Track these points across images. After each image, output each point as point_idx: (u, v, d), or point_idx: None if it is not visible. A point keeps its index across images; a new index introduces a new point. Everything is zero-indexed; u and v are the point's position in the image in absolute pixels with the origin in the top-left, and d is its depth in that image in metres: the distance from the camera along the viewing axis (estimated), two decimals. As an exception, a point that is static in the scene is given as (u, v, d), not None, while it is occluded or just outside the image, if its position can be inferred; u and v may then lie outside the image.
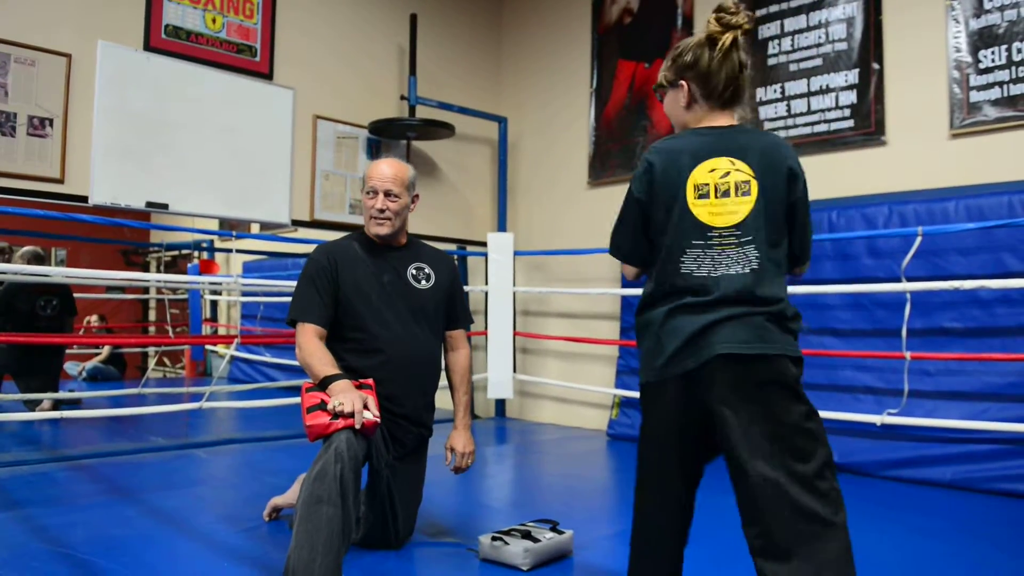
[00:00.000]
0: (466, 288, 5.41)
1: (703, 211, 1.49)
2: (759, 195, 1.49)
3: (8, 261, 5.28)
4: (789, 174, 1.52)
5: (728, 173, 1.50)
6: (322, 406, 1.99)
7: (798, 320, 1.52)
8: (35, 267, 4.94)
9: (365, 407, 1.99)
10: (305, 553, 1.79)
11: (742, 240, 1.48)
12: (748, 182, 1.49)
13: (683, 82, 1.60)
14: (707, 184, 1.50)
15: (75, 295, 5.67)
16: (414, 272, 2.46)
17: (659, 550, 1.62)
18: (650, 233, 1.58)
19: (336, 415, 1.96)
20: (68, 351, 7.01)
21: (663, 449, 1.59)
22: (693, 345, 1.46)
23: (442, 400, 2.52)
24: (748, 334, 1.44)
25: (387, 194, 2.41)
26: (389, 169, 2.42)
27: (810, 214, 1.59)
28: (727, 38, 1.55)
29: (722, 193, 1.49)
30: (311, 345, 2.22)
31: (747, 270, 1.47)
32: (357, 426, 1.95)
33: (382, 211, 2.41)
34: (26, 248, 5.39)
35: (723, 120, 1.59)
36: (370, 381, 2.17)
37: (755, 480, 1.41)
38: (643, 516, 1.65)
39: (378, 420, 2.02)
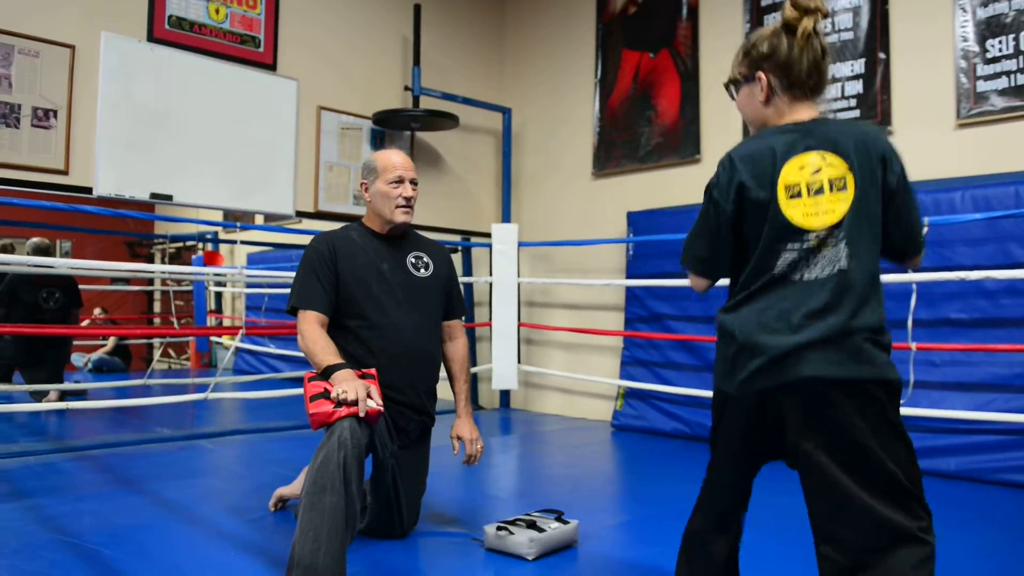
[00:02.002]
0: (471, 279, 5.43)
1: (796, 212, 1.39)
2: (856, 190, 1.39)
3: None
4: (883, 162, 1.41)
5: (820, 169, 1.40)
6: (325, 395, 1.99)
7: (887, 335, 1.46)
8: (39, 258, 4.94)
9: (368, 396, 1.99)
10: (309, 542, 1.79)
11: (840, 240, 1.38)
12: (843, 177, 1.39)
13: (760, 74, 1.49)
14: (798, 183, 1.39)
15: (80, 287, 5.68)
16: (413, 261, 2.48)
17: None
18: (735, 243, 1.48)
19: (339, 403, 1.96)
20: (75, 342, 7.02)
21: (727, 455, 1.56)
22: (779, 363, 1.37)
23: (442, 391, 2.53)
24: (839, 355, 1.35)
25: (412, 182, 2.44)
26: (407, 159, 2.46)
27: (915, 201, 1.47)
28: (808, 22, 1.45)
29: (815, 191, 1.39)
30: (314, 333, 2.22)
31: (845, 271, 1.38)
32: (361, 414, 1.96)
33: (409, 199, 2.43)
34: (32, 240, 5.41)
35: (806, 113, 1.48)
36: (372, 371, 2.17)
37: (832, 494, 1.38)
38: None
39: (381, 408, 2.02)
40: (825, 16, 1.47)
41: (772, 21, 4.31)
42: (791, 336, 1.36)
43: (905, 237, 1.48)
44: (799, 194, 1.39)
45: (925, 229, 3.29)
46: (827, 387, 1.35)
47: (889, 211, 1.43)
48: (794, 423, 1.39)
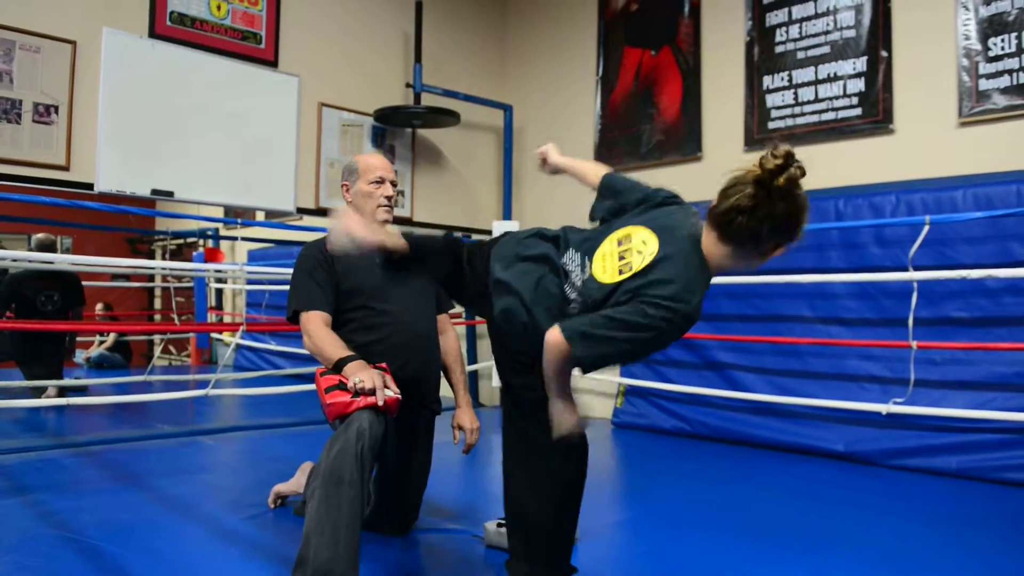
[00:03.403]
0: (471, 276, 5.42)
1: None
2: None
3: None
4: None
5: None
6: (341, 386, 1.97)
7: None
8: (38, 255, 4.94)
9: (385, 385, 1.99)
10: (327, 535, 1.76)
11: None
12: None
13: None
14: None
15: (82, 284, 5.67)
16: None
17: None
18: None
19: (357, 393, 1.94)
20: (78, 339, 7.02)
21: None
22: None
23: (441, 388, 2.54)
24: None
25: (392, 183, 2.46)
26: (386, 161, 2.49)
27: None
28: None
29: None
30: (320, 331, 2.22)
31: None
32: (380, 403, 1.93)
33: (390, 199, 2.44)
34: (38, 235, 5.41)
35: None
36: (384, 365, 2.17)
37: None
38: None
39: (399, 397, 2.01)
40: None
41: (774, 19, 4.32)
42: None
43: None
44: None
45: (927, 228, 3.30)
46: None
47: None
48: None
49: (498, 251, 1.72)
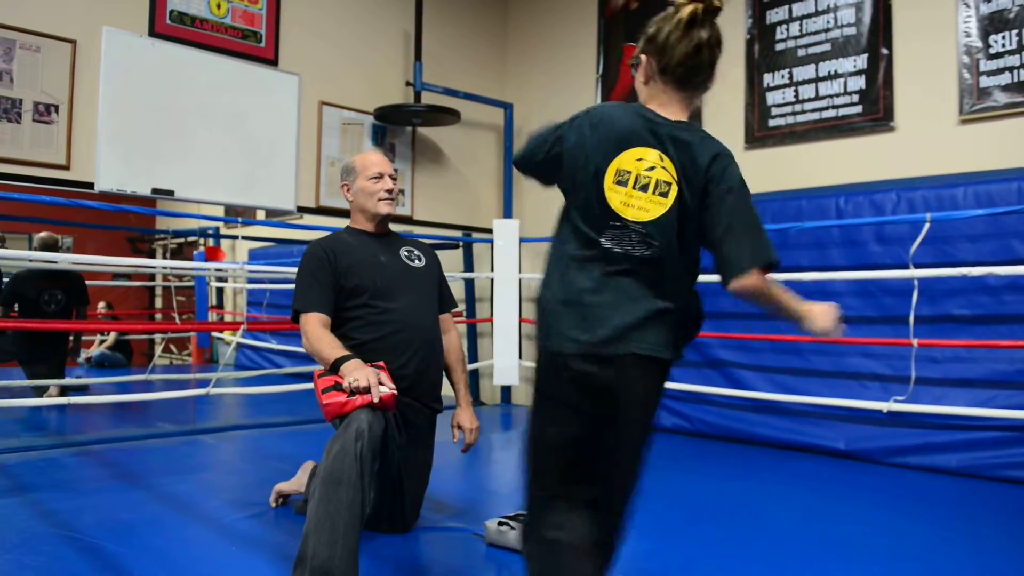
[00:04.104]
0: (472, 275, 5.43)
1: (616, 198, 1.44)
2: (676, 200, 1.43)
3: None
4: (708, 179, 1.43)
5: (654, 168, 1.44)
6: (337, 387, 1.98)
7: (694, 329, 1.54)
8: (40, 254, 4.95)
9: (380, 382, 1.99)
10: (326, 535, 1.77)
11: (648, 239, 1.43)
12: (669, 184, 1.43)
13: (643, 56, 1.54)
14: (629, 172, 1.44)
15: (86, 283, 5.67)
16: (406, 253, 2.55)
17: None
18: (559, 180, 1.54)
19: (352, 392, 1.95)
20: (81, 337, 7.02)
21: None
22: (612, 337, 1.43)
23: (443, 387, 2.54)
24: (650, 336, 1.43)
25: (391, 177, 2.53)
26: (384, 157, 2.57)
27: (743, 217, 1.43)
28: (684, 12, 1.47)
29: (640, 186, 1.43)
30: (317, 332, 2.23)
31: (647, 265, 1.44)
32: (375, 400, 1.94)
33: (390, 191, 2.51)
34: (42, 234, 5.41)
35: (674, 108, 1.51)
36: (381, 363, 2.18)
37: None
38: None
39: (395, 392, 2.01)
40: (714, 11, 1.47)
41: (774, 16, 4.31)
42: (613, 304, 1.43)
43: (735, 249, 1.42)
44: (625, 183, 1.44)
45: (927, 225, 3.30)
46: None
47: (710, 223, 1.43)
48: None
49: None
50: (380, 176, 2.49)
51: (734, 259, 1.41)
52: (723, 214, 1.42)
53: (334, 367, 2.08)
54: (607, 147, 1.46)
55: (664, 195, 1.42)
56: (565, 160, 1.51)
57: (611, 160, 1.45)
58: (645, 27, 1.55)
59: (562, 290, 1.48)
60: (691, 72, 1.49)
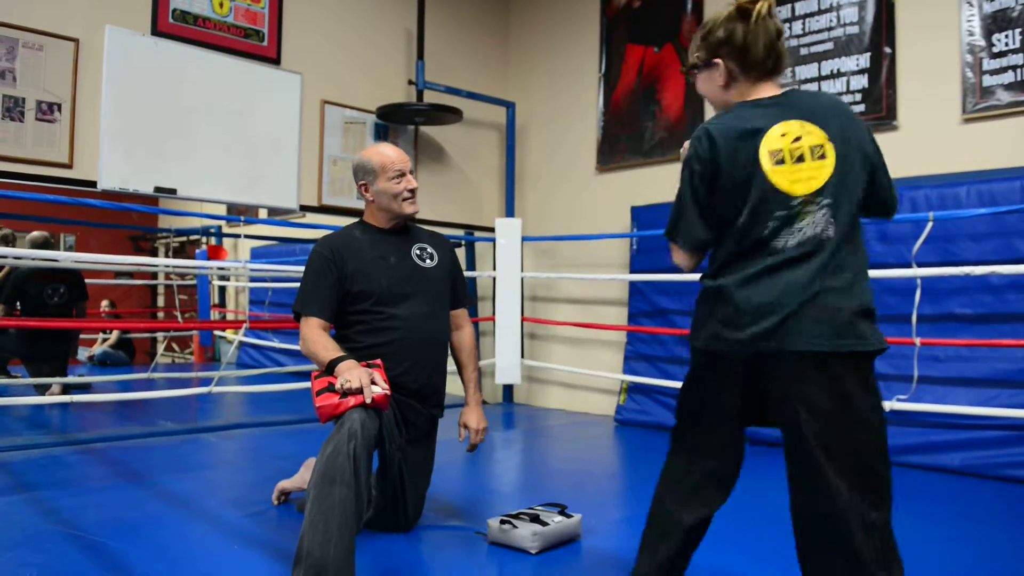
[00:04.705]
0: (474, 273, 5.43)
1: (782, 179, 1.40)
2: (836, 157, 1.42)
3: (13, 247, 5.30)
4: (853, 126, 1.46)
5: (800, 137, 1.42)
6: (330, 388, 1.99)
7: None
8: (42, 251, 4.95)
9: (373, 382, 1.99)
10: (319, 534, 1.78)
11: (823, 205, 1.40)
12: (822, 145, 1.42)
13: (718, 60, 1.53)
14: (781, 150, 1.42)
15: (85, 280, 5.69)
16: (418, 252, 2.49)
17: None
18: (718, 211, 1.48)
19: (345, 393, 1.96)
20: (81, 335, 7.04)
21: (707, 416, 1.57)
22: (775, 328, 1.38)
23: (450, 385, 2.53)
24: (834, 328, 1.36)
25: (411, 173, 2.46)
26: (401, 152, 2.47)
27: (885, 164, 1.52)
28: (761, 6, 1.49)
29: (797, 158, 1.41)
30: (313, 334, 2.23)
31: (833, 235, 1.39)
32: (367, 401, 1.95)
33: (414, 191, 2.45)
34: (34, 233, 5.42)
35: (769, 90, 1.52)
36: (378, 361, 2.18)
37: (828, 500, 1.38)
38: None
39: (388, 392, 2.01)
40: None
41: (778, 15, 4.30)
42: (786, 293, 1.38)
43: (889, 191, 1.52)
44: (783, 160, 1.41)
45: (930, 224, 3.29)
46: (814, 358, 1.37)
47: (873, 173, 1.48)
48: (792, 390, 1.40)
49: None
50: (402, 174, 2.42)
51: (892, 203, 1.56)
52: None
53: (329, 368, 2.08)
54: (746, 141, 1.44)
55: (823, 157, 1.43)
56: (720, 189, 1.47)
57: (758, 147, 1.43)
58: (707, 31, 1.55)
59: None
60: (778, 60, 1.52)
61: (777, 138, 1.42)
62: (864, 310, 1.39)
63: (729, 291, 1.43)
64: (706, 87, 1.58)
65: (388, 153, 2.44)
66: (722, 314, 1.45)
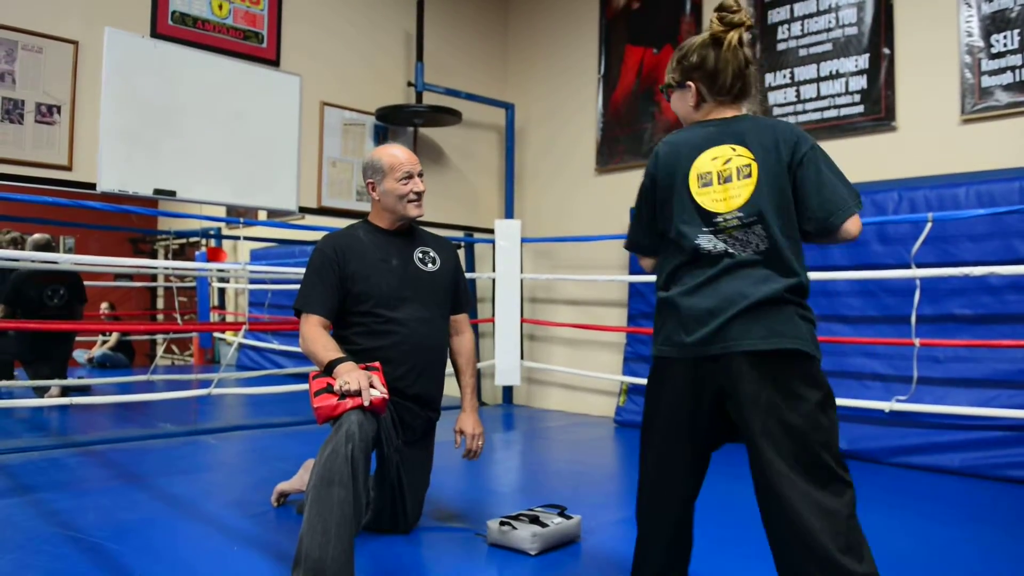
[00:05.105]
0: (474, 275, 5.43)
1: (707, 199, 1.53)
2: (760, 174, 1.51)
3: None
4: (782, 144, 1.53)
5: (729, 160, 1.53)
6: (329, 389, 1.99)
7: (808, 308, 1.54)
8: (42, 254, 4.95)
9: (371, 385, 1.99)
10: (318, 536, 1.78)
11: (746, 222, 1.50)
12: (749, 165, 1.52)
13: (690, 83, 1.63)
14: (710, 172, 1.54)
15: (84, 283, 5.69)
16: (420, 256, 2.49)
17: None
18: (660, 222, 1.62)
19: (343, 395, 1.96)
20: (77, 338, 7.03)
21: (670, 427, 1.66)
22: (713, 334, 1.48)
23: (448, 387, 2.53)
24: (764, 329, 1.46)
25: (420, 175, 2.46)
26: (411, 153, 2.47)
27: (827, 172, 1.55)
28: (732, 37, 1.58)
29: (724, 179, 1.52)
30: (313, 333, 2.24)
31: (758, 250, 1.50)
32: (365, 403, 1.95)
33: (420, 193, 2.45)
34: (34, 236, 5.42)
35: (728, 113, 1.62)
36: (376, 364, 2.18)
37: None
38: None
39: (386, 396, 2.02)
40: (749, 28, 1.60)
41: (775, 16, 4.31)
42: (718, 303, 1.49)
43: (818, 204, 1.53)
44: (710, 183, 1.54)
45: (929, 225, 3.29)
46: (749, 359, 1.46)
47: (797, 188, 1.53)
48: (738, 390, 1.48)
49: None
50: (410, 176, 2.42)
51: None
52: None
53: (328, 369, 2.09)
54: (681, 162, 1.57)
55: (748, 176, 1.52)
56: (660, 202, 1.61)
57: (688, 170, 1.56)
58: (682, 55, 1.65)
59: None
60: (744, 86, 1.62)
61: (708, 161, 1.54)
62: (799, 314, 1.50)
63: (676, 301, 1.55)
64: (678, 105, 1.69)
65: (397, 154, 2.44)
66: (672, 322, 1.56)
